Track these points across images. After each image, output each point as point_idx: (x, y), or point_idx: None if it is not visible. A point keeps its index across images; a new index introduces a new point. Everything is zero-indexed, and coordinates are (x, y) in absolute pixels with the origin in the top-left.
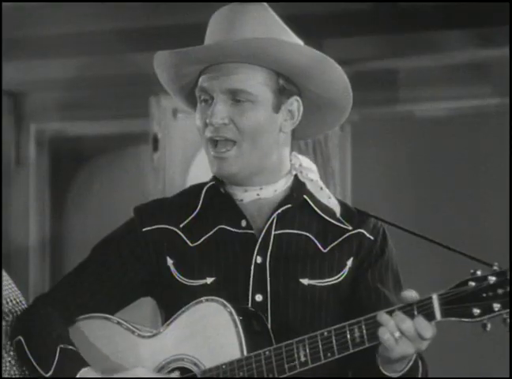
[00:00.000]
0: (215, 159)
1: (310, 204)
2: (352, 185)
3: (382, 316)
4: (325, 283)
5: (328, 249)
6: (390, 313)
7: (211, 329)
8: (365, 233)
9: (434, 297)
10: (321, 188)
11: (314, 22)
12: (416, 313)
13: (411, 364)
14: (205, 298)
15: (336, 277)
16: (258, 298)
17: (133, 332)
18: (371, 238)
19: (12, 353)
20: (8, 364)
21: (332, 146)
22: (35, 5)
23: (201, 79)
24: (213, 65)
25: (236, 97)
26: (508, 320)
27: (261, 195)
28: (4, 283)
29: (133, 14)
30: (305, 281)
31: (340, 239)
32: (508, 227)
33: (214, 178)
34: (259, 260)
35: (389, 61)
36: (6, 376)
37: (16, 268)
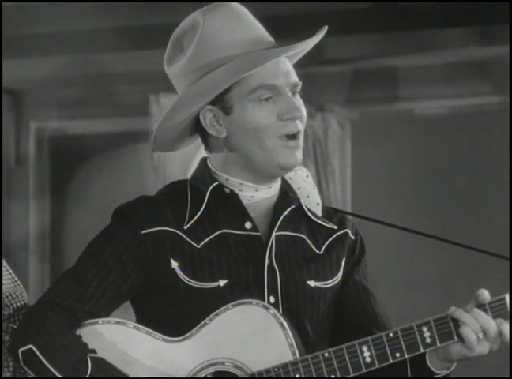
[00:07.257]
0: (290, 149)
1: (301, 205)
2: (351, 184)
3: (464, 315)
4: (328, 285)
5: (322, 250)
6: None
7: (255, 332)
8: (349, 233)
9: (507, 297)
10: (299, 188)
11: (314, 20)
12: (489, 313)
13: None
14: (241, 301)
15: (335, 278)
16: (271, 300)
17: (155, 337)
18: (353, 237)
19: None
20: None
21: (332, 144)
22: (35, 3)
23: (257, 79)
24: (270, 64)
25: (296, 89)
26: None
27: (267, 195)
28: (4, 278)
29: (132, 12)
30: (311, 283)
31: (331, 240)
32: (508, 226)
33: (208, 178)
34: (267, 262)
35: (390, 59)
36: None
37: (16, 266)
